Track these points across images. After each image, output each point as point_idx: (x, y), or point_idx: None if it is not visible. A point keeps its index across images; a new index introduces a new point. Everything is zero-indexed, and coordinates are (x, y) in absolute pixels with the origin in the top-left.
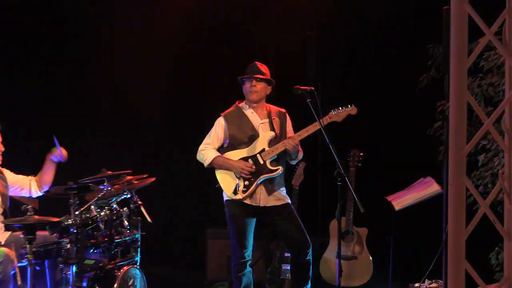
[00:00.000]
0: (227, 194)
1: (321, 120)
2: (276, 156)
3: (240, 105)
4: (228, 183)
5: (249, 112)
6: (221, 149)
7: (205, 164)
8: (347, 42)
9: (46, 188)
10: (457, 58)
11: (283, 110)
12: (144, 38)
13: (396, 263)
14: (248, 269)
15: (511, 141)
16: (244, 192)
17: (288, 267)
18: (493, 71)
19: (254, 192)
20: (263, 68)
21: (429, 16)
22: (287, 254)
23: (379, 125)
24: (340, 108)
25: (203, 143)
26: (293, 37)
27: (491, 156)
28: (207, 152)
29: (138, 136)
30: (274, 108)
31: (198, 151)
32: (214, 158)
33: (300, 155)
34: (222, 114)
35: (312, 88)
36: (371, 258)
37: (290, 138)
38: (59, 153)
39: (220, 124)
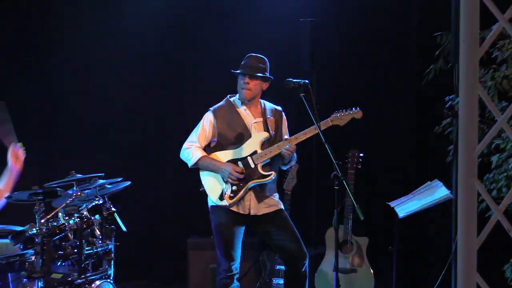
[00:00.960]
0: (212, 199)
1: (319, 123)
2: (268, 160)
3: (232, 100)
4: (213, 187)
5: (242, 109)
6: (208, 149)
7: (190, 164)
8: (345, 30)
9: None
10: (468, 48)
11: (279, 108)
12: (116, 32)
13: (399, 276)
14: (235, 283)
15: None
16: (231, 198)
17: (280, 281)
18: (508, 62)
19: (243, 198)
20: (260, 62)
21: (437, 1)
22: (279, 267)
23: (381, 123)
24: (343, 111)
25: (188, 140)
26: (285, 25)
27: (505, 157)
28: (192, 151)
29: (112, 135)
30: (269, 106)
31: (182, 150)
32: (200, 158)
33: (294, 159)
34: (211, 108)
35: (306, 80)
36: (372, 271)
37: (286, 141)
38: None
39: (208, 120)
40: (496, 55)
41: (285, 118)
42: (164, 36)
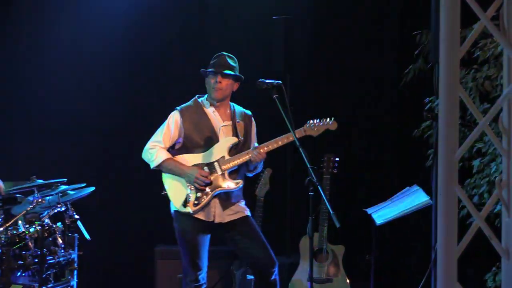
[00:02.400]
0: (175, 205)
1: (294, 131)
2: (236, 167)
3: (200, 100)
4: (177, 192)
5: (210, 111)
6: (171, 150)
7: (152, 166)
8: (320, 28)
9: None
10: (448, 47)
11: (248, 112)
12: (80, 33)
13: (377, 286)
14: None
15: (510, 144)
16: (195, 205)
17: None
18: (490, 62)
19: (207, 205)
20: (232, 61)
21: None
22: (249, 277)
23: (357, 126)
24: (317, 121)
25: (151, 140)
26: (256, 22)
27: (487, 161)
28: (156, 152)
29: (75, 139)
30: (239, 109)
31: (144, 149)
32: (165, 160)
33: (260, 167)
34: (177, 108)
35: (279, 81)
36: (348, 280)
37: (257, 149)
38: None
39: (174, 120)
40: (477, 55)
41: (254, 123)
42: (131, 37)
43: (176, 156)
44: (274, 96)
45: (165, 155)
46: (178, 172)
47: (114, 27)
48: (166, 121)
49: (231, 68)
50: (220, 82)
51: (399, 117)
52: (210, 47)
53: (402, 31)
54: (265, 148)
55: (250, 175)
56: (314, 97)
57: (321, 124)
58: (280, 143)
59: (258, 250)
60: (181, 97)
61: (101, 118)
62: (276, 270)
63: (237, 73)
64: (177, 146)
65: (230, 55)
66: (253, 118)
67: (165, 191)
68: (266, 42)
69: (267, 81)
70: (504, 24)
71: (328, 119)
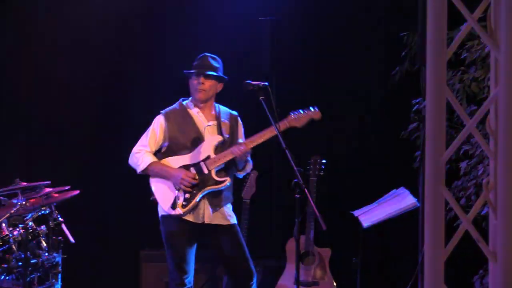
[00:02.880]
0: (164, 208)
1: (277, 124)
2: (223, 165)
3: (185, 103)
4: (165, 195)
5: (195, 112)
6: (158, 154)
7: (138, 170)
8: (307, 29)
9: None
10: (435, 48)
11: (234, 112)
12: (64, 35)
13: None
14: None
15: (497, 146)
16: (184, 206)
17: None
18: (477, 63)
19: (196, 206)
20: (215, 61)
21: (403, 0)
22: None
23: (344, 127)
24: (301, 111)
25: (137, 144)
26: (243, 24)
27: (474, 164)
28: (142, 156)
29: (59, 141)
30: (224, 110)
31: (131, 155)
32: (150, 163)
33: (249, 166)
34: (162, 112)
35: (266, 83)
36: (335, 283)
37: (239, 144)
38: None
39: (159, 124)
40: (464, 56)
41: (241, 123)
42: (114, 37)
43: (163, 160)
44: (260, 97)
45: (150, 158)
46: (164, 174)
47: (100, 28)
48: (151, 126)
49: (213, 69)
50: (203, 83)
51: (386, 118)
52: (196, 48)
53: (389, 32)
54: (249, 143)
55: (239, 176)
56: (301, 99)
57: (304, 114)
58: (264, 137)
59: (240, 261)
60: (167, 99)
61: (85, 121)
62: (254, 282)
63: (221, 74)
64: (163, 150)
65: (213, 56)
66: (239, 118)
67: (153, 195)
68: (253, 44)
69: (253, 82)
70: (491, 26)
71: (311, 108)
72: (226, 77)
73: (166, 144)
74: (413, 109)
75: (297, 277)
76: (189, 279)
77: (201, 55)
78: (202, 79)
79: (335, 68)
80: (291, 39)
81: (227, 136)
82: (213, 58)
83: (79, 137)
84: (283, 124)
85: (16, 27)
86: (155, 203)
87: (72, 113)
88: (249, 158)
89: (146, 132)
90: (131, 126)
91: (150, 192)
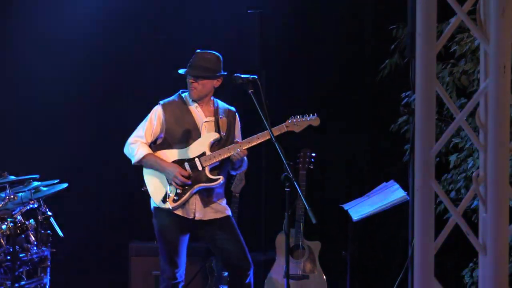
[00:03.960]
0: (155, 200)
1: (275, 128)
2: (218, 163)
3: (184, 96)
4: (157, 188)
5: (193, 107)
6: (153, 146)
7: (133, 161)
8: (296, 22)
9: None
10: (425, 41)
11: (232, 108)
12: (54, 25)
13: (354, 282)
14: None
15: (487, 139)
16: (175, 201)
17: None
18: (467, 56)
19: (187, 202)
20: (207, 59)
21: None
22: (226, 274)
23: (334, 121)
24: (300, 117)
25: (133, 135)
26: (231, 16)
27: (464, 157)
28: (137, 147)
29: (47, 134)
30: (222, 105)
31: (126, 144)
32: (146, 155)
33: (245, 165)
34: (160, 102)
35: (255, 76)
36: (324, 277)
37: (238, 145)
38: None
39: (157, 114)
40: (454, 49)
41: (238, 119)
42: (106, 30)
43: (157, 152)
44: (250, 91)
45: (146, 150)
46: (159, 168)
47: (91, 21)
48: (149, 116)
49: (204, 69)
50: (193, 82)
51: (375, 112)
52: (185, 41)
53: (378, 25)
54: (246, 144)
55: (234, 173)
56: (290, 92)
57: (303, 119)
58: (261, 139)
59: (236, 252)
60: (157, 93)
61: (74, 114)
62: (251, 273)
63: (214, 72)
64: (158, 141)
65: (206, 52)
66: (237, 114)
67: (145, 186)
68: (242, 37)
69: (242, 75)
70: (481, 19)
71: (311, 115)
72: (221, 74)
73: (161, 135)
74: (403, 103)
75: (286, 271)
76: (180, 272)
77: (195, 52)
78: (192, 79)
79: (324, 61)
80: (280, 32)
81: (224, 133)
82: (206, 57)
83: (67, 130)
84: (281, 128)
85: (4, 20)
86: (146, 194)
87: (61, 106)
88: (245, 157)
89: (142, 123)
90: (120, 119)
91: (142, 183)
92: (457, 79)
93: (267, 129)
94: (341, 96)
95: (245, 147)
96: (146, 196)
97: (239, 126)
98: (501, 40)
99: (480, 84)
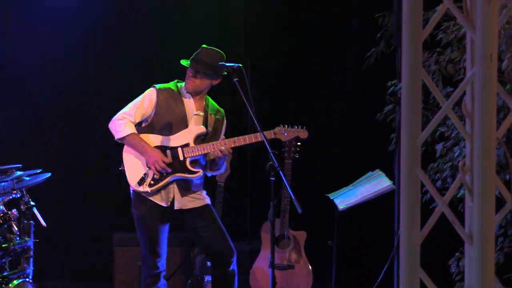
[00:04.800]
0: (130, 183)
1: (263, 132)
2: (199, 157)
3: (180, 85)
4: (134, 169)
5: (187, 98)
6: (137, 128)
7: (116, 137)
8: (281, 9)
9: None
10: (410, 29)
11: (222, 110)
12: (44, 11)
13: (339, 272)
14: (163, 281)
15: (473, 128)
16: (151, 185)
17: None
18: (453, 45)
19: (165, 190)
20: (210, 56)
21: None
22: (210, 263)
23: (319, 110)
24: (289, 127)
25: (122, 112)
26: (216, 2)
27: (450, 146)
28: (124, 124)
29: (30, 123)
30: (213, 104)
31: (113, 119)
32: (131, 133)
33: (223, 168)
34: (156, 85)
35: (240, 65)
36: (310, 267)
37: (223, 142)
38: None
39: (150, 97)
40: (440, 37)
41: (225, 122)
42: (91, 22)
43: (141, 135)
44: (235, 79)
45: (132, 129)
46: (140, 149)
47: (74, 13)
48: (141, 96)
49: (206, 65)
50: (193, 77)
51: (361, 100)
52: (169, 30)
53: (364, 14)
54: (231, 143)
55: (209, 174)
56: (275, 81)
57: (292, 130)
58: (247, 141)
59: (218, 239)
60: (142, 83)
61: (57, 102)
62: (234, 260)
63: (215, 70)
64: (144, 124)
65: (212, 49)
66: (225, 117)
67: (123, 166)
68: (226, 24)
69: (227, 64)
70: (467, 7)
71: (299, 127)
72: (219, 75)
73: (149, 118)
74: (389, 91)
75: (272, 261)
76: (162, 262)
77: (201, 46)
78: (192, 73)
79: (310, 49)
80: (265, 20)
81: (210, 130)
82: (211, 54)
83: (50, 118)
84: (269, 133)
85: None
86: (122, 174)
87: (43, 94)
88: (224, 163)
89: (134, 101)
90: (103, 107)
91: (120, 162)
92: (443, 68)
93: (254, 130)
94: (326, 85)
95: (231, 146)
96: (128, 184)
97: (224, 129)
98: (488, 28)
99: (466, 73)
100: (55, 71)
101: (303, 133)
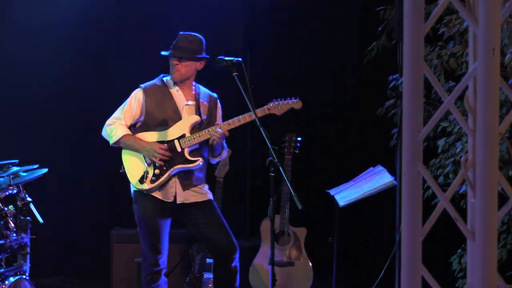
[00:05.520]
0: (132, 181)
1: (257, 110)
2: (197, 146)
3: (165, 79)
4: (134, 168)
5: (174, 90)
6: (133, 130)
7: (111, 142)
8: (281, 3)
9: None
10: (412, 23)
11: (214, 94)
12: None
13: (340, 269)
14: (163, 279)
15: (476, 123)
16: (152, 181)
17: (211, 276)
18: (455, 38)
19: (167, 185)
20: (190, 41)
21: None
22: (209, 260)
23: (320, 104)
24: (282, 100)
25: (112, 117)
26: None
27: (452, 141)
28: (115, 128)
29: (26, 118)
30: (204, 91)
31: (104, 126)
32: (124, 136)
33: (225, 153)
34: (141, 85)
35: (240, 58)
36: (310, 264)
37: (218, 126)
38: None
39: (137, 98)
40: (442, 31)
41: (220, 106)
42: (87, 12)
43: (137, 134)
44: (234, 74)
45: (124, 130)
46: (137, 147)
47: (71, 7)
48: (129, 99)
49: (188, 50)
50: (177, 64)
51: (362, 95)
52: (169, 24)
53: (365, 7)
54: (226, 125)
55: (213, 161)
56: (275, 75)
57: (285, 102)
58: (242, 121)
59: (220, 235)
60: (141, 78)
61: (54, 97)
62: (237, 256)
63: (202, 54)
64: (138, 125)
65: (189, 34)
66: (219, 101)
67: (123, 168)
68: (226, 17)
69: (226, 58)
70: (470, 0)
71: (292, 98)
72: (204, 57)
73: (141, 119)
74: (390, 86)
75: (271, 258)
76: (163, 259)
77: (179, 34)
78: (176, 61)
79: (310, 43)
80: (265, 13)
81: (205, 117)
82: (189, 38)
83: (47, 113)
84: (263, 111)
85: None
86: (123, 176)
87: (40, 89)
88: (225, 145)
89: (122, 105)
90: (100, 102)
91: (121, 165)
92: (445, 62)
93: (248, 112)
94: (327, 79)
95: (226, 129)
96: (127, 181)
97: (221, 113)
98: (490, 22)
99: (468, 67)
100: (52, 66)
101: (297, 104)
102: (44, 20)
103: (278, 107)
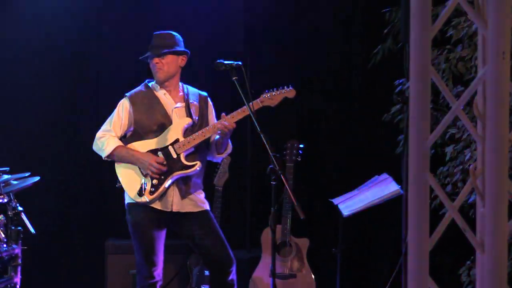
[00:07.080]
0: (130, 195)
1: (251, 104)
2: (193, 149)
3: (150, 84)
4: (131, 182)
5: (161, 94)
6: (124, 140)
7: (103, 156)
8: (283, 5)
9: None
10: (419, 25)
11: (203, 93)
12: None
13: (344, 282)
14: None
15: (485, 129)
16: (151, 193)
17: None
18: (464, 42)
19: (164, 194)
20: (166, 37)
21: None
22: (207, 272)
23: (323, 110)
24: (274, 90)
25: (101, 129)
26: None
27: (461, 148)
28: (106, 141)
29: (17, 125)
30: (192, 90)
31: (95, 140)
32: (116, 148)
33: (230, 148)
34: (126, 94)
35: (239, 62)
36: (313, 276)
37: (223, 120)
38: None
39: (124, 107)
40: (450, 34)
41: (211, 104)
42: (76, 16)
43: (129, 145)
44: (233, 78)
45: (115, 142)
46: (131, 159)
47: (61, 10)
48: (116, 110)
49: (166, 45)
50: (158, 63)
51: (367, 100)
52: (168, 27)
53: (370, 9)
54: (230, 118)
55: (219, 159)
56: (276, 80)
57: (278, 92)
58: (244, 114)
59: (216, 248)
60: (131, 83)
61: (45, 104)
62: (234, 269)
63: (177, 48)
64: (129, 134)
65: (164, 32)
66: (209, 99)
67: (119, 182)
68: (226, 21)
69: (225, 62)
70: (479, 2)
71: (285, 87)
72: (185, 50)
73: (131, 128)
74: (396, 91)
75: (273, 269)
76: (158, 271)
77: (153, 34)
78: (156, 60)
79: (313, 46)
80: (265, 16)
81: (197, 118)
82: (164, 35)
83: (39, 121)
84: (256, 104)
85: None
86: (121, 190)
87: (32, 97)
88: (229, 140)
89: (110, 117)
90: (93, 109)
91: (116, 179)
92: (453, 66)
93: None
94: (331, 83)
95: (221, 128)
96: (120, 192)
97: (213, 111)
98: (500, 24)
99: (478, 71)
100: (45, 74)
101: (291, 92)
102: (36, 28)
103: (271, 98)
